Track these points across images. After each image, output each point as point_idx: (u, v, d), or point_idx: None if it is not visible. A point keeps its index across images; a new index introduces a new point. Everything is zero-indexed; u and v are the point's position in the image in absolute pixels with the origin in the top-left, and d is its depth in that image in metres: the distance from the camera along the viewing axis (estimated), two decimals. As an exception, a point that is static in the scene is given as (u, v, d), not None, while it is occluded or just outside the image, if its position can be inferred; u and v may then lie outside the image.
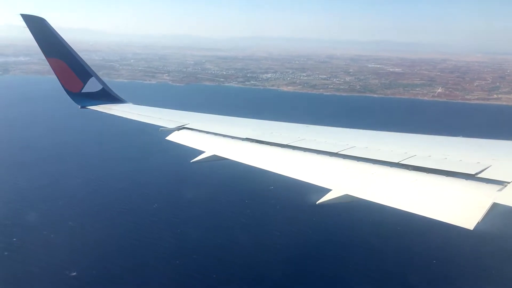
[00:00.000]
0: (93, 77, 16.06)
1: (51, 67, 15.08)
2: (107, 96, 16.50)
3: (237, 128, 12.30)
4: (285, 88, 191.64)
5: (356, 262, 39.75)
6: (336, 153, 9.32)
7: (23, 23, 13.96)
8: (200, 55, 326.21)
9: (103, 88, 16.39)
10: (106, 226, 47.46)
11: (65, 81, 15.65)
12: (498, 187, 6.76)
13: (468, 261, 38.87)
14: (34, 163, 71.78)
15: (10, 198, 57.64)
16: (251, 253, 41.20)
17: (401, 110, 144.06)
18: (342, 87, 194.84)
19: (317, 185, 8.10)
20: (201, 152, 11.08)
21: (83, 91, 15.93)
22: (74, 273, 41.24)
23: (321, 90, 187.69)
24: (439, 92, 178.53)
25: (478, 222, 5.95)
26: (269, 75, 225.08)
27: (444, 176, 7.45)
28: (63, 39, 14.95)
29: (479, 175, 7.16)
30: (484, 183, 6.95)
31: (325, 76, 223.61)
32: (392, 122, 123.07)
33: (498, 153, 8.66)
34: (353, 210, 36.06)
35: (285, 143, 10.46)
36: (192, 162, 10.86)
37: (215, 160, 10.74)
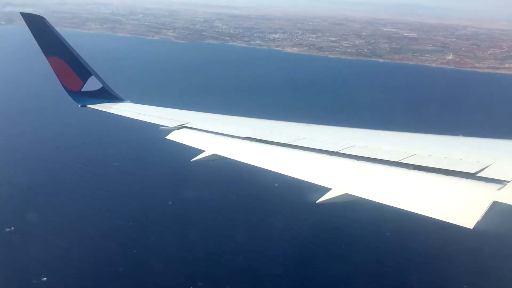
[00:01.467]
0: (93, 76, 16.01)
1: (51, 66, 15.11)
2: (107, 94, 16.44)
3: (237, 127, 12.29)
4: (289, 49, 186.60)
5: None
6: (336, 152, 9.28)
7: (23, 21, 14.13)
8: (212, 13, 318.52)
9: (103, 86, 16.31)
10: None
11: (64, 80, 15.71)
12: (498, 186, 6.79)
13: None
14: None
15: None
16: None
17: (401, 76, 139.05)
18: (349, 50, 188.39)
19: (317, 184, 8.11)
20: (201, 151, 11.06)
21: (83, 90, 15.94)
22: (10, 229, 42.18)
23: (326, 53, 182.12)
24: (448, 59, 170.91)
25: (478, 221, 5.97)
26: (277, 36, 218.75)
27: (444, 175, 7.47)
28: (63, 37, 14.94)
29: (479, 174, 7.17)
30: (484, 182, 6.97)
31: (334, 39, 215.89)
32: (386, 88, 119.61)
33: (498, 152, 8.63)
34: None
35: (285, 142, 10.43)
36: (192, 161, 10.90)
37: (215, 159, 10.80)
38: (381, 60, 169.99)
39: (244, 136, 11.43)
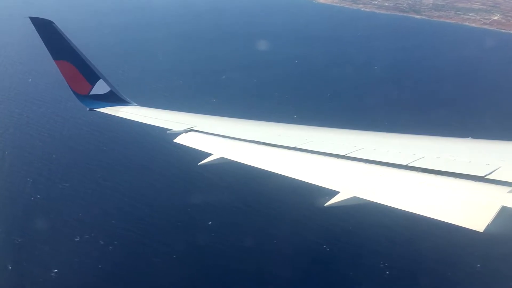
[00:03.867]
0: (101, 79, 16.28)
1: (60, 70, 15.46)
2: (115, 98, 16.70)
3: (244, 130, 12.51)
4: (322, 0, 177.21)
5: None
6: (344, 155, 9.26)
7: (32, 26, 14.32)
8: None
9: (111, 90, 16.61)
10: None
11: (73, 84, 16.05)
12: (508, 188, 6.74)
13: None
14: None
15: None
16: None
17: (425, 34, 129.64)
18: (386, 4, 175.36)
19: (325, 187, 8.19)
20: (208, 155, 11.24)
21: (91, 93, 16.23)
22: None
23: (360, 6, 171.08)
24: (493, 19, 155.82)
25: (488, 224, 5.93)
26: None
27: (453, 178, 7.42)
28: (71, 41, 15.19)
29: (488, 177, 7.12)
30: (494, 185, 6.92)
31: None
32: (399, 46, 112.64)
33: (508, 155, 8.54)
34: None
35: (293, 146, 10.44)
36: (199, 164, 11.17)
37: (223, 162, 10.98)
38: (417, 17, 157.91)
39: (252, 139, 11.44)
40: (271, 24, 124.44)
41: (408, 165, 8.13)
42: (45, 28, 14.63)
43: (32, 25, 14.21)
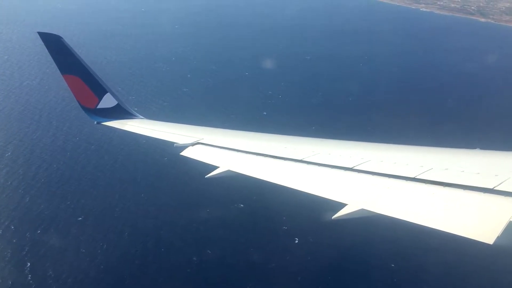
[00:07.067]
0: (108, 93, 16.29)
1: (67, 84, 15.57)
2: (122, 111, 16.71)
3: (251, 143, 12.46)
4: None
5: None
6: (351, 168, 9.21)
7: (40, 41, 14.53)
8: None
9: (118, 103, 16.59)
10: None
11: (81, 98, 16.08)
12: None
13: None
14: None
15: None
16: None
17: (479, 38, 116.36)
18: (453, 5, 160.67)
19: (332, 200, 8.07)
20: (215, 167, 11.16)
21: (98, 107, 16.24)
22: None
23: (422, 5, 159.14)
24: None
25: (498, 236, 5.84)
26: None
27: (462, 190, 7.29)
28: (79, 56, 15.26)
29: (497, 188, 6.97)
30: (503, 196, 6.77)
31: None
32: (443, 47, 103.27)
33: None
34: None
35: (299, 158, 10.35)
36: (206, 177, 11.04)
37: (230, 175, 10.86)
38: (481, 20, 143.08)
39: (258, 152, 11.34)
40: (328, 24, 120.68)
41: (416, 177, 7.92)
42: (54, 43, 14.63)
43: (40, 39, 14.15)
